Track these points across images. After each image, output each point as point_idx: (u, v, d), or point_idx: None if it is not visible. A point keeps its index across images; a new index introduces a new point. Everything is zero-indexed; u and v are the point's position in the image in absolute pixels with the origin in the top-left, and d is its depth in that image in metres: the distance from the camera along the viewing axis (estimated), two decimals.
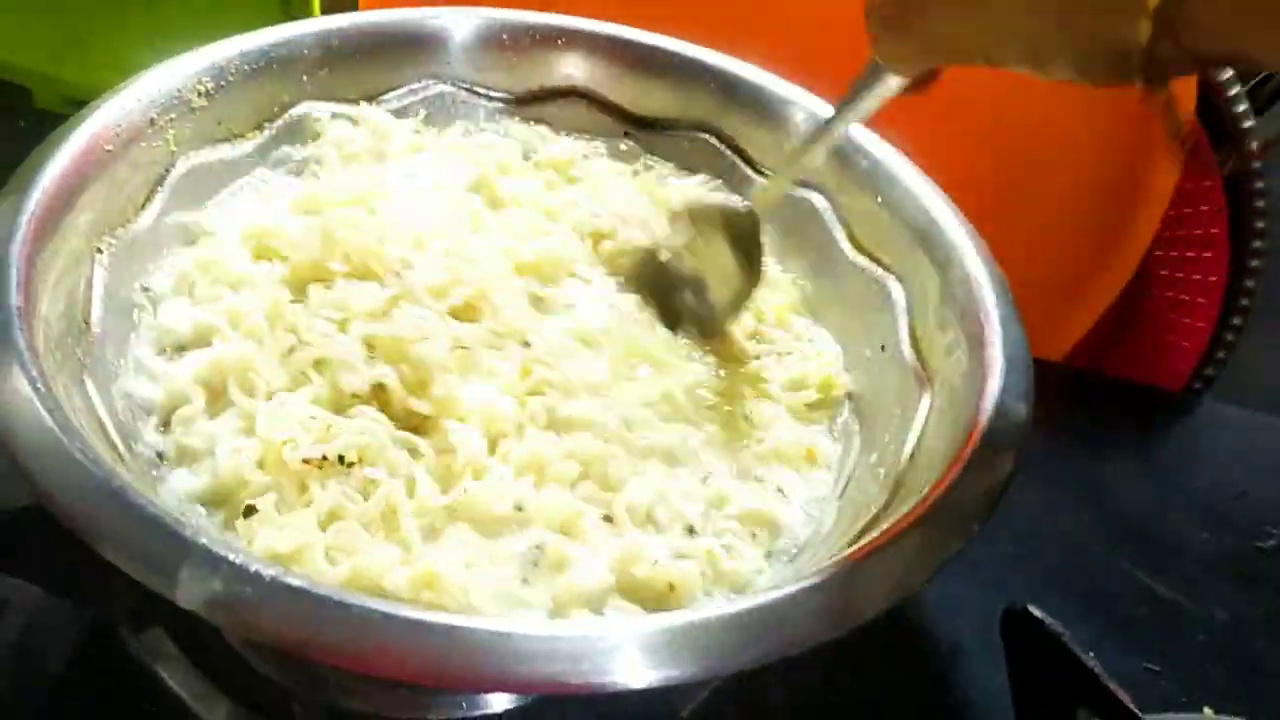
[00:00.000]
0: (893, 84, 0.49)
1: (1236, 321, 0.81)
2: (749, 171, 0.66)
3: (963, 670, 0.61)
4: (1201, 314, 0.81)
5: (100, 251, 0.51)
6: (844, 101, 0.52)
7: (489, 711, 0.53)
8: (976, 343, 0.52)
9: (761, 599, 0.39)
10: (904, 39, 0.45)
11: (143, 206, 0.55)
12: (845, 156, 0.62)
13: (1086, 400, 0.80)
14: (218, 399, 0.50)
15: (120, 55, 0.74)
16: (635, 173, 0.68)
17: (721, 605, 0.39)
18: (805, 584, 0.40)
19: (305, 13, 0.77)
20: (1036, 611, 0.55)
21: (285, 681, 0.52)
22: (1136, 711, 0.51)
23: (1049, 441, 0.76)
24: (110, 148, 0.53)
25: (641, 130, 0.68)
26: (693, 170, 0.68)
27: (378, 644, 0.36)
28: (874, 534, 0.44)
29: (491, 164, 0.63)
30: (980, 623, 0.61)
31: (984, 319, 0.52)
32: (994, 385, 0.49)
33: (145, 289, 0.54)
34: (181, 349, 0.53)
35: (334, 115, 0.63)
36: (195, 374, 0.50)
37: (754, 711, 0.56)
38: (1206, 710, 0.59)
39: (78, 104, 0.80)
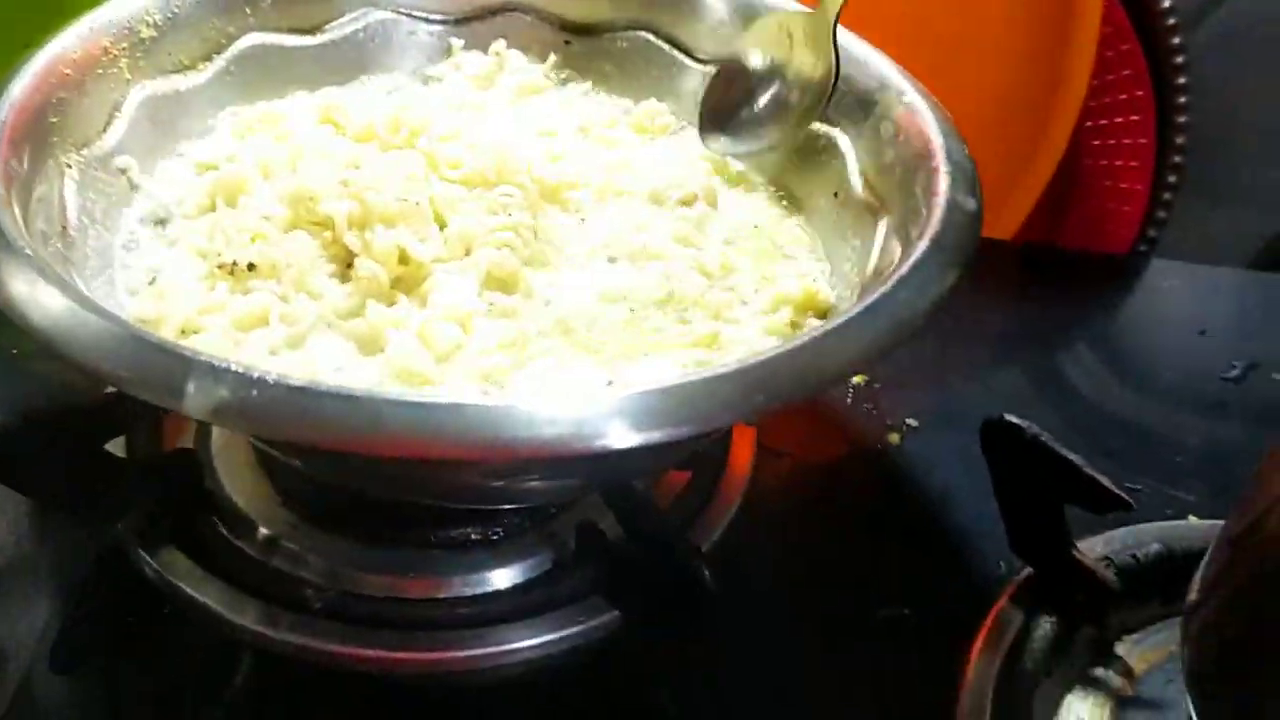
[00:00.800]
0: None
1: (1172, 180, 0.83)
2: (687, 60, 0.69)
3: (952, 506, 0.63)
4: (1136, 177, 0.84)
5: (69, 166, 0.53)
6: None
7: (496, 587, 0.54)
8: (924, 158, 0.54)
9: (737, 364, 0.42)
10: None
11: (104, 129, 0.57)
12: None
13: (1040, 273, 0.83)
14: None
15: None
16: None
17: (703, 369, 0.42)
18: (777, 351, 0.43)
19: None
20: (1015, 419, 0.56)
21: (300, 572, 0.53)
22: (1120, 493, 0.53)
23: (1009, 314, 0.79)
24: (69, 72, 0.55)
25: (580, 37, 0.70)
26: (636, 71, 0.70)
27: (385, 427, 0.37)
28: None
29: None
30: (961, 466, 0.63)
31: (930, 140, 0.55)
32: (942, 185, 0.51)
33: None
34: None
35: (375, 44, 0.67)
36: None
37: (757, 551, 0.58)
38: (1191, 518, 0.62)
39: None
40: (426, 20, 0.69)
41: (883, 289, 0.45)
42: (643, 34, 0.70)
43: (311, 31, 0.67)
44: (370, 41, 0.68)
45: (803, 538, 0.60)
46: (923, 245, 0.48)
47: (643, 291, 0.53)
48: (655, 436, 0.39)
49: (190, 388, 0.38)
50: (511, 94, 0.68)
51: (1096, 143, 0.85)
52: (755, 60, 0.64)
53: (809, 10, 0.62)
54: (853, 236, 0.58)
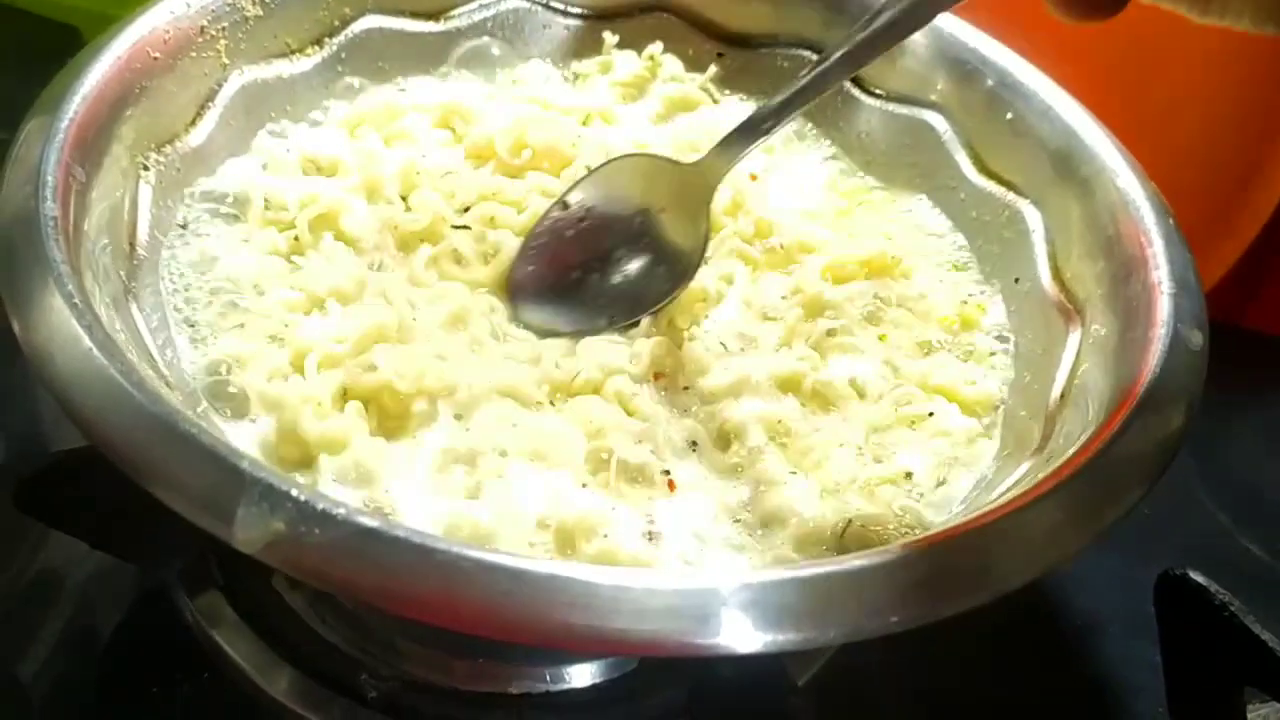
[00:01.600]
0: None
1: None
2: (856, 92, 0.60)
3: (1105, 647, 0.55)
4: None
5: (146, 169, 0.47)
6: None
7: (574, 685, 0.48)
8: (1137, 266, 0.45)
9: (885, 556, 0.34)
10: None
11: (192, 123, 0.50)
12: (965, 69, 0.56)
13: (1220, 354, 0.74)
14: None
15: None
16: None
17: (841, 562, 0.34)
18: (946, 537, 0.35)
19: None
20: (1198, 577, 0.49)
21: (353, 649, 0.47)
22: None
23: None
24: (157, 55, 0.48)
25: (734, 48, 0.62)
26: None
27: (463, 593, 0.31)
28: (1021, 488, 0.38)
29: None
30: (1116, 595, 0.56)
31: (1144, 240, 0.46)
32: (1164, 312, 0.42)
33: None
34: None
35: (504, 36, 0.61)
36: None
37: (866, 683, 0.51)
38: None
39: None
40: (564, 12, 0.62)
41: (1087, 456, 0.37)
42: (808, 53, 0.61)
43: (435, 17, 0.60)
44: (499, 31, 0.61)
45: (920, 670, 0.52)
46: (1139, 394, 0.39)
47: None
48: (782, 642, 0.31)
49: (242, 513, 0.31)
50: (662, 106, 0.60)
51: None
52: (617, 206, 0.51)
53: (687, 164, 0.51)
54: (1034, 336, 0.50)
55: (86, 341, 0.35)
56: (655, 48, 0.61)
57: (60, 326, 0.35)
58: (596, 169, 0.51)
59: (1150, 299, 0.44)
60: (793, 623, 0.32)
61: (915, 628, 0.33)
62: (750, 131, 0.49)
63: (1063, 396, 0.45)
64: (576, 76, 0.62)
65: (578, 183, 0.51)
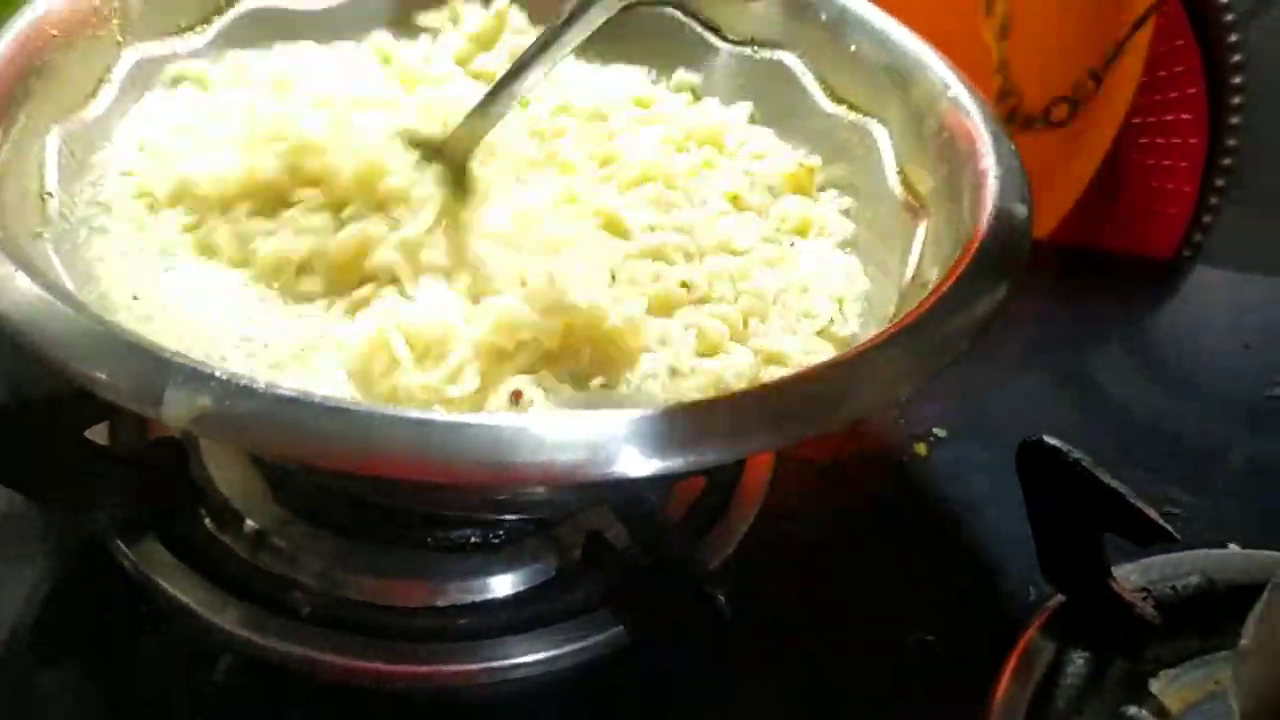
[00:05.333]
0: None
1: (1220, 183, 0.80)
2: (715, 40, 0.65)
3: (980, 524, 0.60)
4: (1184, 178, 0.80)
5: (50, 134, 0.50)
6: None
7: (496, 595, 0.51)
8: (968, 159, 0.50)
9: (768, 386, 0.39)
10: None
11: (92, 95, 0.53)
12: (807, 11, 0.61)
13: (1077, 275, 0.79)
14: None
15: None
16: None
17: (722, 395, 0.39)
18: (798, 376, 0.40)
19: None
20: (1053, 441, 0.53)
21: (288, 574, 0.50)
22: (1165, 525, 0.50)
23: (1044, 318, 0.75)
24: (55, 33, 0.51)
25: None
26: (662, 49, 0.66)
27: (376, 444, 0.34)
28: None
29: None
30: (990, 480, 0.60)
31: (974, 135, 0.51)
32: (991, 192, 0.48)
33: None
34: None
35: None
36: None
37: (771, 567, 0.55)
38: (1232, 545, 0.58)
39: None
40: None
41: (925, 308, 0.41)
42: (673, 12, 0.66)
43: None
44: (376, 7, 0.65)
45: (822, 554, 0.57)
46: (969, 258, 0.44)
47: None
48: (673, 465, 0.35)
49: (169, 394, 0.34)
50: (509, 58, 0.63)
51: (1144, 140, 0.81)
52: None
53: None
54: (888, 234, 0.55)
55: (18, 272, 0.38)
56: (501, 3, 0.65)
57: None
58: None
59: (980, 184, 0.49)
60: (676, 449, 0.36)
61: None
62: (496, 98, 0.51)
63: (913, 278, 0.50)
64: (420, 31, 0.65)
65: None
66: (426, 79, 0.61)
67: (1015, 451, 0.52)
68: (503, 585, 0.51)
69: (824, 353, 0.50)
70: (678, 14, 0.65)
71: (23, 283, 0.38)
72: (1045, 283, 0.77)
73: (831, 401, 0.38)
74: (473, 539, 0.52)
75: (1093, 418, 0.69)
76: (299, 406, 0.35)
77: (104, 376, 0.36)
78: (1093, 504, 0.51)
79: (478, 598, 0.51)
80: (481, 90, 0.52)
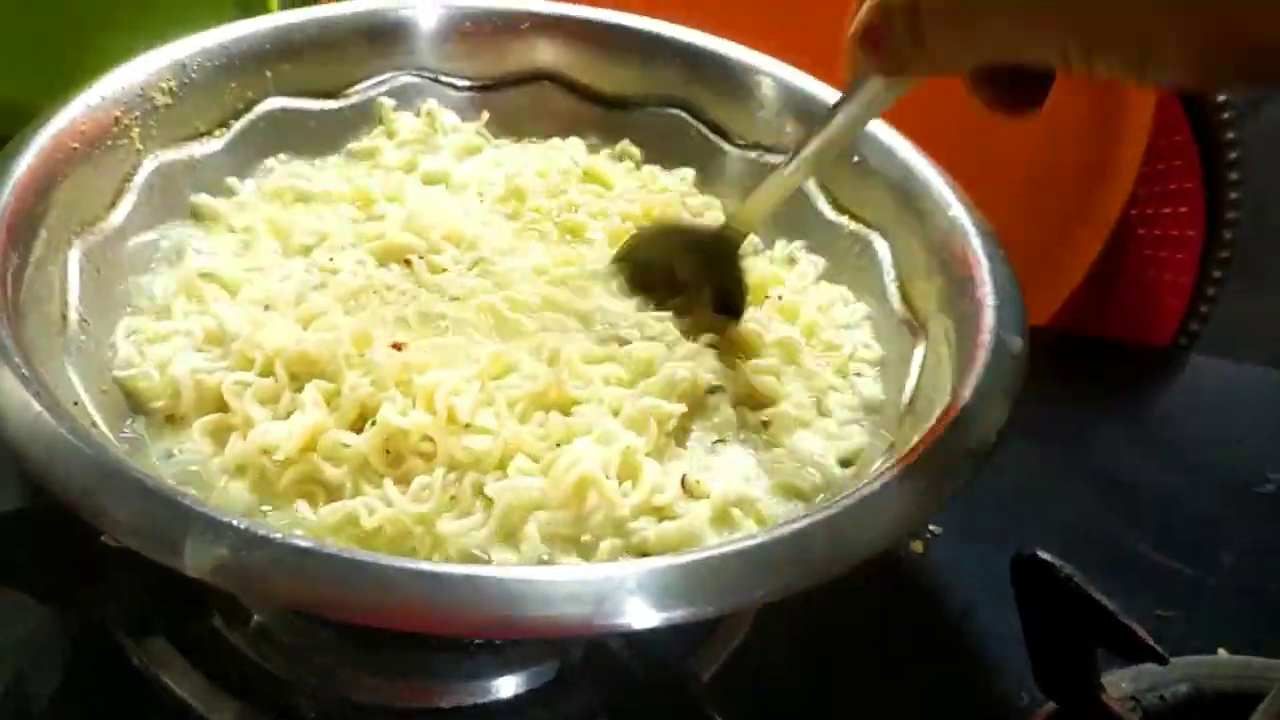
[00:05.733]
0: (890, 96, 0.44)
1: (1217, 274, 0.81)
2: (722, 143, 0.66)
3: (974, 624, 0.60)
4: (1182, 269, 0.81)
5: (71, 248, 0.51)
6: (832, 121, 0.48)
7: (499, 697, 0.51)
8: (966, 284, 0.51)
9: (758, 538, 0.39)
10: (965, 37, 0.36)
11: (112, 205, 0.54)
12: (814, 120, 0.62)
13: (1074, 362, 0.80)
14: None
15: (50, 71, 0.73)
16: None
17: (728, 543, 0.39)
18: (805, 522, 0.40)
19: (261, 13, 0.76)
20: (1046, 555, 0.54)
21: (291, 676, 0.51)
22: (1153, 644, 0.51)
23: (1040, 405, 0.76)
24: (76, 146, 0.52)
25: (612, 110, 0.68)
26: (666, 149, 0.67)
27: (389, 596, 0.35)
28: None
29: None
30: (985, 579, 0.60)
31: (973, 261, 0.52)
32: (989, 321, 0.49)
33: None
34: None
35: (397, 107, 0.65)
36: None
37: (768, 673, 0.55)
38: (1221, 651, 0.59)
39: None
40: (454, 86, 0.67)
41: (926, 446, 0.43)
42: (678, 111, 0.67)
43: (334, 95, 0.64)
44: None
45: (815, 653, 0.57)
46: (967, 393, 0.45)
47: None
48: (676, 616, 0.36)
49: (189, 544, 0.35)
50: (452, 155, 0.66)
51: (1143, 231, 0.82)
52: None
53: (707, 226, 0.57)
54: (889, 351, 0.56)
55: (36, 406, 0.39)
56: (430, 104, 0.67)
57: (11, 394, 0.39)
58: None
59: (978, 311, 0.49)
60: (676, 601, 0.37)
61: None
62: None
63: (910, 402, 0.51)
64: (356, 154, 0.66)
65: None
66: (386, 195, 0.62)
67: (1010, 557, 0.53)
68: (506, 687, 0.51)
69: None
70: (685, 115, 0.67)
71: (47, 424, 0.38)
72: (1042, 369, 0.78)
73: (834, 549, 0.39)
74: (476, 640, 0.52)
75: (1087, 507, 0.70)
76: (314, 558, 0.36)
77: (124, 523, 0.36)
78: (1084, 619, 0.51)
79: (481, 699, 0.51)
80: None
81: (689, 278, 0.56)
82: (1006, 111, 0.40)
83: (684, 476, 0.48)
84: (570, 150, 0.66)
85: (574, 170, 0.64)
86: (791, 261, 0.62)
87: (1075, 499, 0.70)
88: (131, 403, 0.50)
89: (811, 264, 0.62)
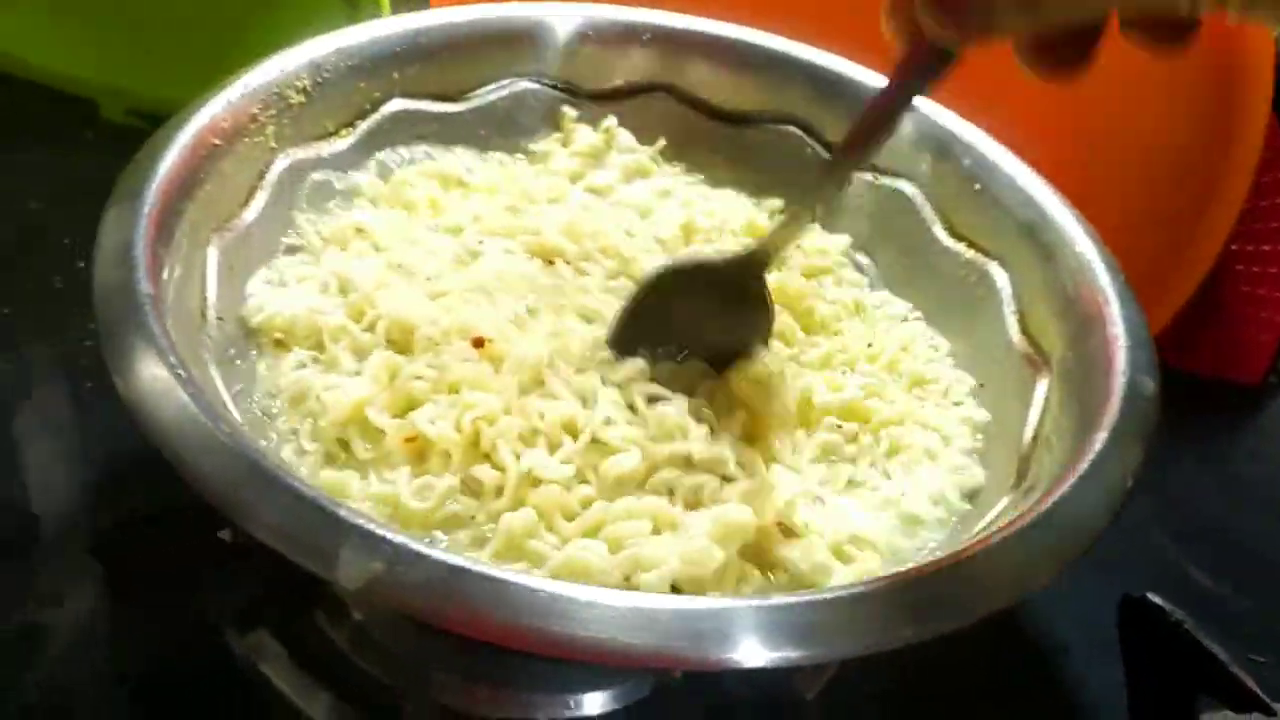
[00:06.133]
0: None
1: None
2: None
3: (1069, 668, 0.60)
4: (1277, 307, 0.80)
5: (209, 244, 0.51)
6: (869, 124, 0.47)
7: (591, 712, 0.52)
8: (1095, 323, 0.51)
9: (882, 582, 0.39)
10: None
11: (245, 203, 0.55)
12: (942, 148, 0.62)
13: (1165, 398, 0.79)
14: None
15: (184, 68, 0.74)
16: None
17: (846, 586, 0.39)
18: (920, 574, 0.40)
19: (376, 16, 0.76)
20: (1156, 599, 0.54)
21: (387, 675, 0.51)
22: (1263, 695, 0.50)
23: None
24: (218, 142, 0.52)
25: (726, 124, 0.68)
26: (777, 166, 0.67)
27: (535, 621, 0.35)
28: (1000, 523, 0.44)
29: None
30: (1083, 619, 0.60)
31: (1101, 300, 0.52)
32: (1121, 363, 0.48)
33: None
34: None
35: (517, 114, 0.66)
36: None
37: (869, 700, 0.55)
38: None
39: (143, 116, 0.81)
40: (571, 93, 0.67)
41: (1059, 492, 0.42)
42: (794, 129, 0.67)
43: (456, 98, 0.65)
44: (511, 111, 0.66)
45: (913, 684, 0.57)
46: (1101, 436, 0.45)
47: None
48: (795, 657, 0.36)
49: (344, 556, 0.36)
50: (619, 173, 0.66)
51: (1239, 267, 0.81)
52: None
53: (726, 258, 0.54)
54: (1003, 384, 0.55)
55: (194, 408, 0.39)
56: (610, 121, 0.67)
57: (168, 397, 0.40)
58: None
59: (1109, 352, 0.49)
60: (792, 642, 0.37)
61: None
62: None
63: (1034, 439, 0.51)
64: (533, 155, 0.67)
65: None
66: (546, 198, 0.63)
67: (1118, 600, 0.53)
68: (594, 703, 0.52)
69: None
70: (802, 134, 0.67)
71: (204, 427, 0.39)
72: None
73: (963, 598, 0.39)
74: None
75: (1170, 549, 0.69)
76: (469, 578, 0.36)
77: (277, 530, 0.37)
78: (1191, 666, 0.52)
79: (574, 713, 0.51)
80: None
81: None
82: (1055, 74, 0.39)
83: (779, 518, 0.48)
84: (740, 203, 0.66)
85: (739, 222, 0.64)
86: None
87: (1158, 540, 0.69)
88: (246, 331, 0.52)
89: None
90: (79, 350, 0.63)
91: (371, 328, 0.52)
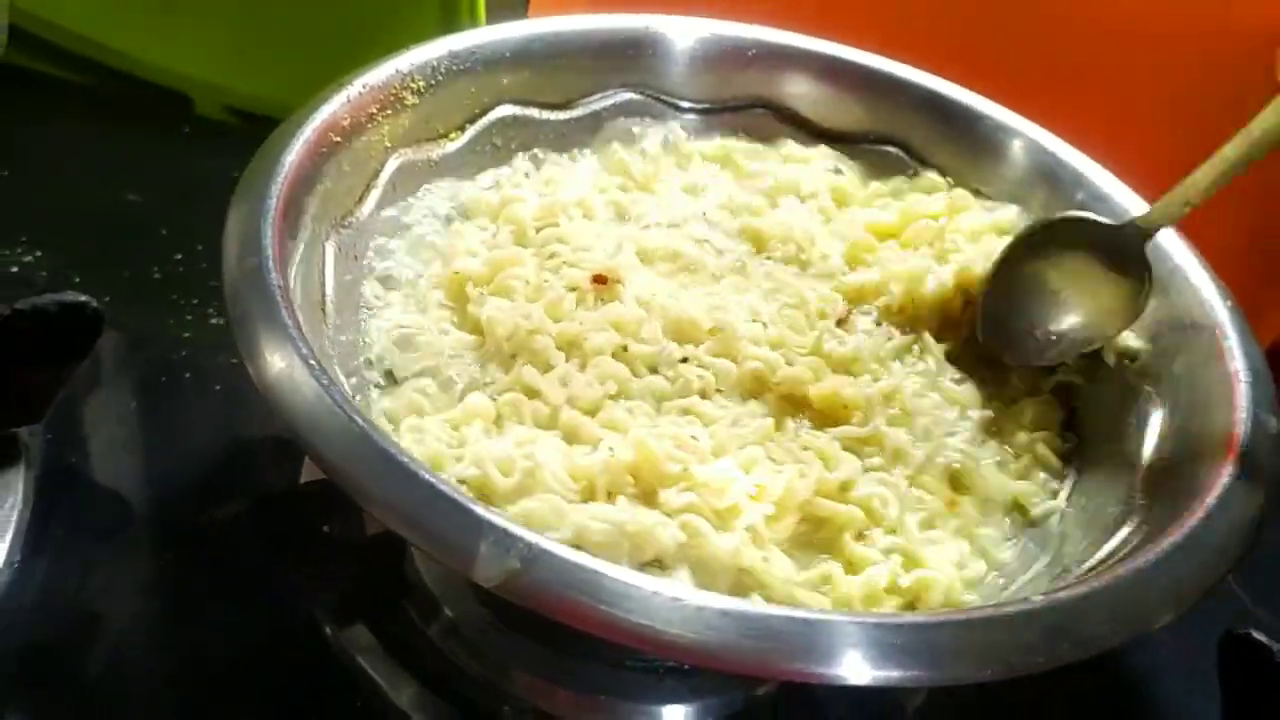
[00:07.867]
0: None
1: None
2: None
3: (1164, 699, 0.59)
4: None
5: (328, 239, 0.52)
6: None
7: None
8: (1214, 357, 0.51)
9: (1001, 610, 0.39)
10: None
11: (359, 200, 0.55)
12: (1045, 171, 0.63)
13: None
14: None
15: (280, 65, 0.75)
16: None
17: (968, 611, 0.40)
18: (1082, 589, 0.40)
19: (472, 24, 0.77)
20: (1260, 636, 0.53)
21: (479, 674, 0.52)
22: None
23: None
24: (338, 139, 0.53)
25: (828, 143, 0.68)
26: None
27: (663, 626, 0.35)
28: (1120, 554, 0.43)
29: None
30: (1174, 651, 0.59)
31: (1219, 334, 0.51)
32: (1243, 399, 0.48)
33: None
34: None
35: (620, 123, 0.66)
36: None
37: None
38: None
39: (238, 113, 0.82)
40: (676, 107, 0.67)
41: (1195, 518, 0.42)
42: (893, 149, 0.67)
43: (561, 106, 0.65)
44: (614, 121, 0.67)
45: (1005, 705, 0.56)
46: (1227, 469, 0.44)
47: None
48: (895, 678, 0.36)
49: (482, 552, 0.36)
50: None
51: None
52: (1053, 281, 0.57)
53: (1113, 223, 0.55)
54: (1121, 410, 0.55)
55: (330, 401, 0.39)
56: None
57: (305, 390, 0.40)
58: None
59: (1230, 387, 0.49)
60: (902, 662, 0.36)
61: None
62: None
63: (1149, 467, 0.50)
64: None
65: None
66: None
67: (1218, 637, 0.52)
68: (674, 716, 0.52)
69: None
70: (903, 154, 0.67)
71: (345, 422, 0.39)
72: None
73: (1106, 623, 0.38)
74: (669, 663, 0.52)
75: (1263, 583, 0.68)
76: (602, 579, 0.36)
77: (417, 527, 0.37)
78: None
79: None
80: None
81: None
82: None
83: None
84: None
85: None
86: None
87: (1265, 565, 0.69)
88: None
89: None
90: (178, 341, 0.63)
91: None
